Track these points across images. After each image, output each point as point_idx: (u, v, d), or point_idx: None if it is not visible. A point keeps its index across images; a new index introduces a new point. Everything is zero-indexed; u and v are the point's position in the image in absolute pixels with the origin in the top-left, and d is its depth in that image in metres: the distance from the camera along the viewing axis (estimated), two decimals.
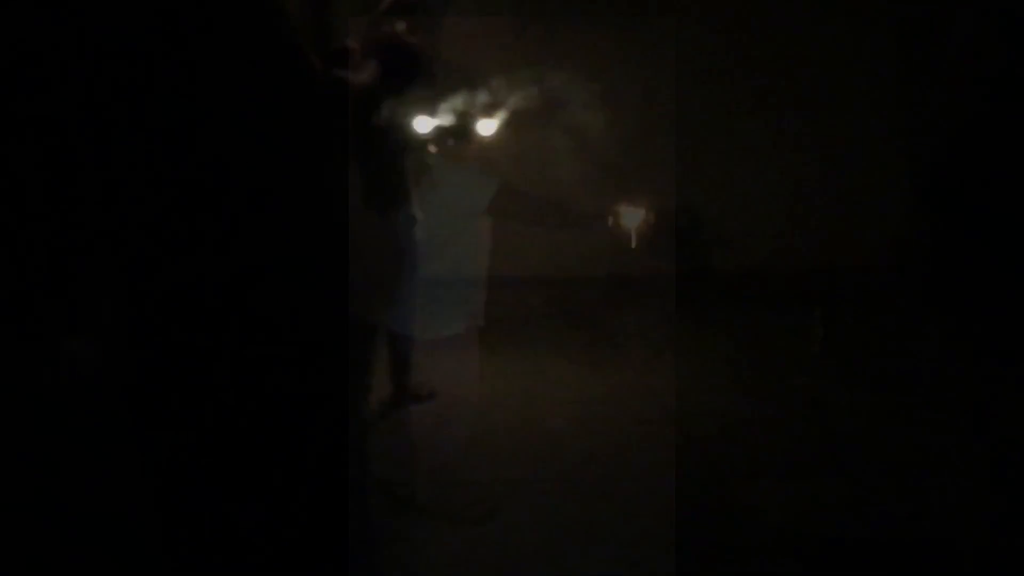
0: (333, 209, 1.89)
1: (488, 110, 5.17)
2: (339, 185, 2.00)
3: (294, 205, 1.78)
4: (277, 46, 1.73)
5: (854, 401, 4.28)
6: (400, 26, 2.05)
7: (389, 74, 2.03)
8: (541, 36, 6.58)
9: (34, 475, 1.71)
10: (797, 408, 4.21)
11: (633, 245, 6.14)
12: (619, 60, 6.70)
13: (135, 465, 1.75)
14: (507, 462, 3.71)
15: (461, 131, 5.09)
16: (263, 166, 1.73)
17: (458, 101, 5.10)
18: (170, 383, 1.70)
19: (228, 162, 1.67)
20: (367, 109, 1.97)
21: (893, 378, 4.60)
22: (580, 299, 6.68)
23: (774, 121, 7.03)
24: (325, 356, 1.87)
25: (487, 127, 5.25)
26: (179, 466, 1.74)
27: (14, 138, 1.61)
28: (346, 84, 1.90)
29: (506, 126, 5.33)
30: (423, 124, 4.74)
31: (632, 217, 6.72)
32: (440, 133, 5.21)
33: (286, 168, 1.76)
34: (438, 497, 3.39)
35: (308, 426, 1.85)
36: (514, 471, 3.62)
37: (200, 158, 1.65)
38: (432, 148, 5.05)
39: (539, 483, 3.50)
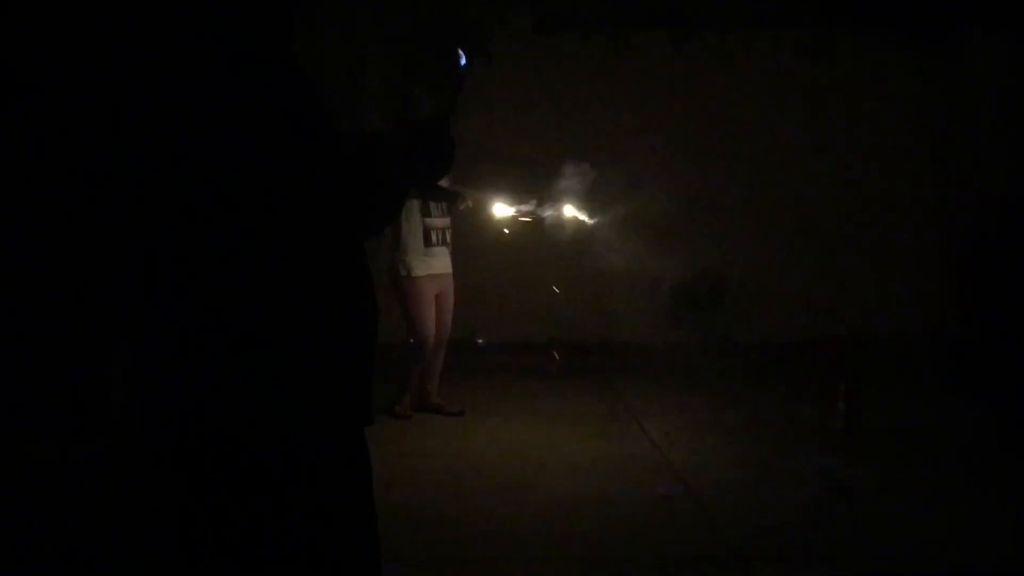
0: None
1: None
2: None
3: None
4: (309, 125, 1.77)
5: (878, 482, 4.22)
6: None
7: (420, 160, 2.03)
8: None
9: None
10: (818, 487, 4.15)
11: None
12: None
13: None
14: (518, 533, 3.67)
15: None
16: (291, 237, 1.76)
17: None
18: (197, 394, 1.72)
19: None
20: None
21: (917, 457, 4.55)
22: (600, 365, 6.68)
23: (802, 193, 7.10)
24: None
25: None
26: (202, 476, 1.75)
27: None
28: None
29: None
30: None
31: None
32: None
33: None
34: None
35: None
36: (522, 541, 3.58)
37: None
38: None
39: (549, 560, 3.45)
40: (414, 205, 5.17)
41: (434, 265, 5.27)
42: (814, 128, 7.07)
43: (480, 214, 5.33)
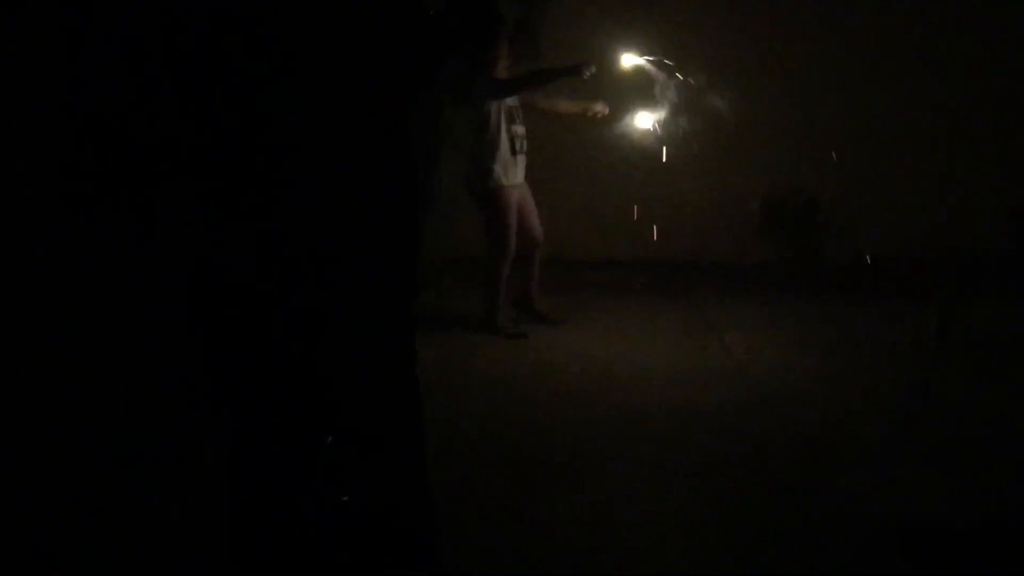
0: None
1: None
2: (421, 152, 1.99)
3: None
4: None
5: (969, 398, 4.05)
6: None
7: (472, 36, 1.99)
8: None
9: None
10: (906, 402, 4.01)
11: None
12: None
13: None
14: (594, 441, 3.66)
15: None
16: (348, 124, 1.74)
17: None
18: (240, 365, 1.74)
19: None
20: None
21: (1010, 374, 4.35)
22: (688, 282, 6.56)
23: (899, 108, 6.75)
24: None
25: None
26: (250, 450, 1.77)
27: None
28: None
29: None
30: None
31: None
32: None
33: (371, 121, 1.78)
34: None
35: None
36: (600, 452, 3.56)
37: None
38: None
39: (636, 460, 3.43)
40: (501, 112, 5.09)
41: (518, 175, 5.22)
42: (908, 34, 6.65)
43: (610, 76, 5.10)
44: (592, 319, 5.57)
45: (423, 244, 2.00)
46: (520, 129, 5.18)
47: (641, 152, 5.96)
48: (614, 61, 5.09)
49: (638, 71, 5.10)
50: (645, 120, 5.27)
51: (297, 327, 1.77)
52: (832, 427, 3.70)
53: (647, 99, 5.16)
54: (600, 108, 5.24)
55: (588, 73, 4.96)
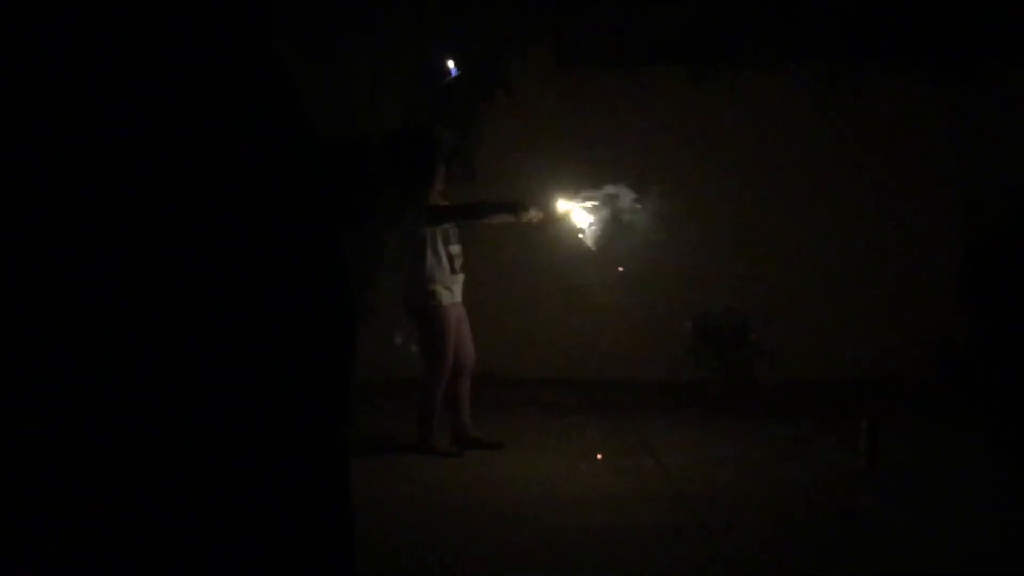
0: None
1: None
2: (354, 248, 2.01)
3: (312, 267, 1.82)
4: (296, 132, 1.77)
5: (895, 516, 4.08)
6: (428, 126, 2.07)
7: (406, 165, 2.03)
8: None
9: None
10: (837, 523, 4.03)
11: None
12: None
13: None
14: (528, 561, 3.59)
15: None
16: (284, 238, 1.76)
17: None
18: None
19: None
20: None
21: (937, 493, 4.41)
22: (620, 401, 6.59)
23: (826, 231, 7.01)
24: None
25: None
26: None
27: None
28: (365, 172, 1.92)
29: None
30: None
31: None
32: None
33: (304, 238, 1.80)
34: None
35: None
36: (535, 572, 3.49)
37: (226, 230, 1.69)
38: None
39: None
40: (437, 233, 5.09)
41: (456, 293, 5.21)
42: (837, 165, 6.99)
43: (549, 219, 5.17)
44: (526, 438, 5.54)
45: (356, 365, 2.00)
46: (455, 248, 5.19)
47: (573, 273, 6.09)
48: (550, 205, 5.16)
49: (572, 212, 5.20)
50: (580, 237, 5.32)
51: (232, 449, 1.74)
52: (763, 555, 3.69)
53: (582, 225, 5.24)
54: (534, 214, 5.15)
55: (525, 216, 5.05)
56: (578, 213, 5.16)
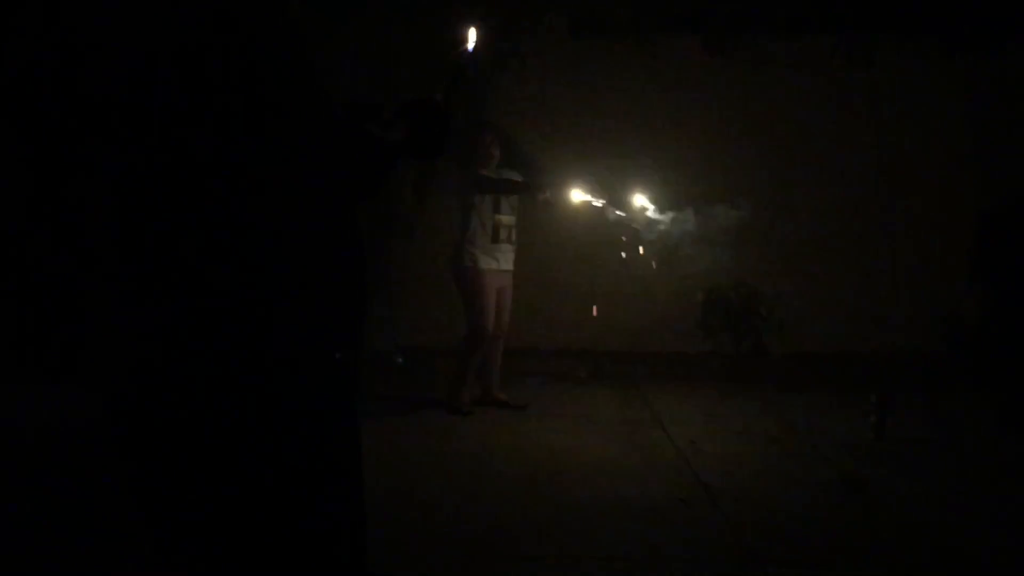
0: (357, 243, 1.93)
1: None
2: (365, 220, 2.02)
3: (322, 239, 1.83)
4: (306, 99, 1.78)
5: (903, 488, 4.11)
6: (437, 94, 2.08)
7: (418, 135, 2.03)
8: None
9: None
10: (845, 494, 4.06)
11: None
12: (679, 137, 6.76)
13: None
14: (539, 531, 3.64)
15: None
16: (291, 211, 1.77)
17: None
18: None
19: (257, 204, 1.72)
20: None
21: (945, 466, 4.44)
22: (632, 373, 6.63)
23: (839, 204, 6.99)
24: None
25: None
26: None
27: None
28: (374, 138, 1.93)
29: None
30: None
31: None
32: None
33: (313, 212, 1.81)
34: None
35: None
36: (546, 540, 3.54)
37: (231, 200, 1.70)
38: None
39: (568, 557, 3.41)
40: (487, 200, 5.34)
41: (500, 261, 5.42)
42: (851, 138, 6.96)
43: (559, 205, 5.38)
44: (537, 408, 5.59)
45: (370, 332, 2.03)
46: (507, 219, 5.41)
47: (588, 248, 6.12)
48: (566, 191, 5.35)
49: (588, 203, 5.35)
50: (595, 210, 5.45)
51: (237, 412, 1.76)
52: (770, 524, 3.72)
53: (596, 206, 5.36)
54: (550, 196, 5.40)
55: (542, 196, 5.33)
56: (594, 204, 5.37)
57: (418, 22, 5.92)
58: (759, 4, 6.67)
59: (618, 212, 5.34)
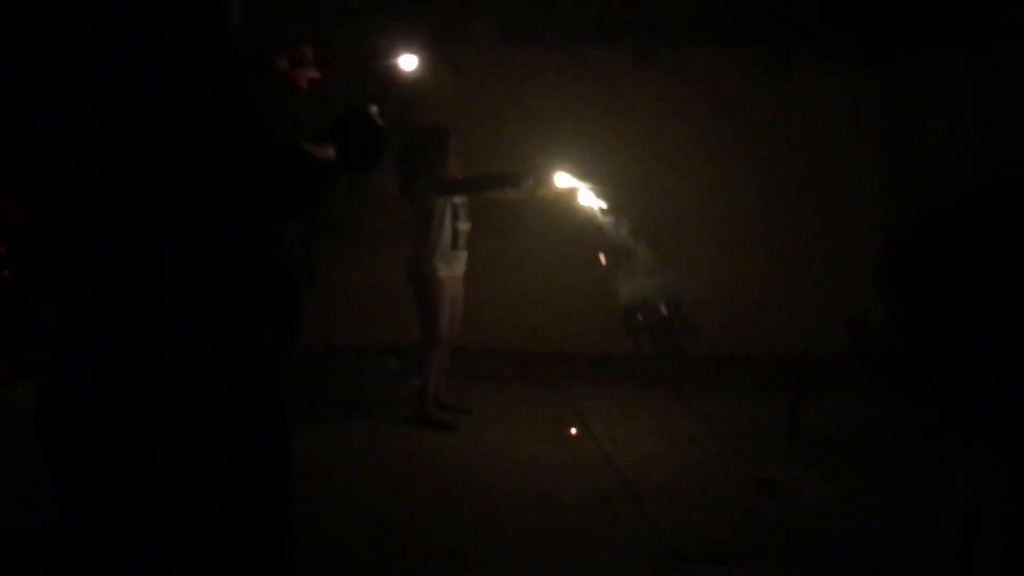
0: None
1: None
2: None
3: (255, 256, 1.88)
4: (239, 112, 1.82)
5: (814, 488, 4.32)
6: (373, 108, 2.13)
7: (352, 150, 2.09)
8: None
9: None
10: (759, 492, 4.24)
11: None
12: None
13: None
14: (467, 528, 3.74)
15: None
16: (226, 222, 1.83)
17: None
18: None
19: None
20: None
21: (851, 466, 4.67)
22: (558, 373, 6.76)
23: (755, 211, 7.22)
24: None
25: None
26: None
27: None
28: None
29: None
30: None
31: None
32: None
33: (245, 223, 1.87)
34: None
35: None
36: (473, 537, 3.64)
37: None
38: None
39: (494, 554, 3.51)
40: (447, 207, 5.25)
41: (455, 268, 5.38)
42: (769, 147, 7.20)
43: (548, 190, 5.21)
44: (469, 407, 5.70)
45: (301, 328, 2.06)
46: (464, 226, 5.35)
47: (520, 252, 6.19)
48: (548, 178, 5.22)
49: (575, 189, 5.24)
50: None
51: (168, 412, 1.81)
52: (688, 522, 3.87)
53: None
54: (534, 184, 5.20)
55: (525, 185, 5.14)
56: (582, 192, 5.21)
57: (352, 27, 5.95)
58: (684, 16, 6.86)
59: (601, 203, 5.20)
